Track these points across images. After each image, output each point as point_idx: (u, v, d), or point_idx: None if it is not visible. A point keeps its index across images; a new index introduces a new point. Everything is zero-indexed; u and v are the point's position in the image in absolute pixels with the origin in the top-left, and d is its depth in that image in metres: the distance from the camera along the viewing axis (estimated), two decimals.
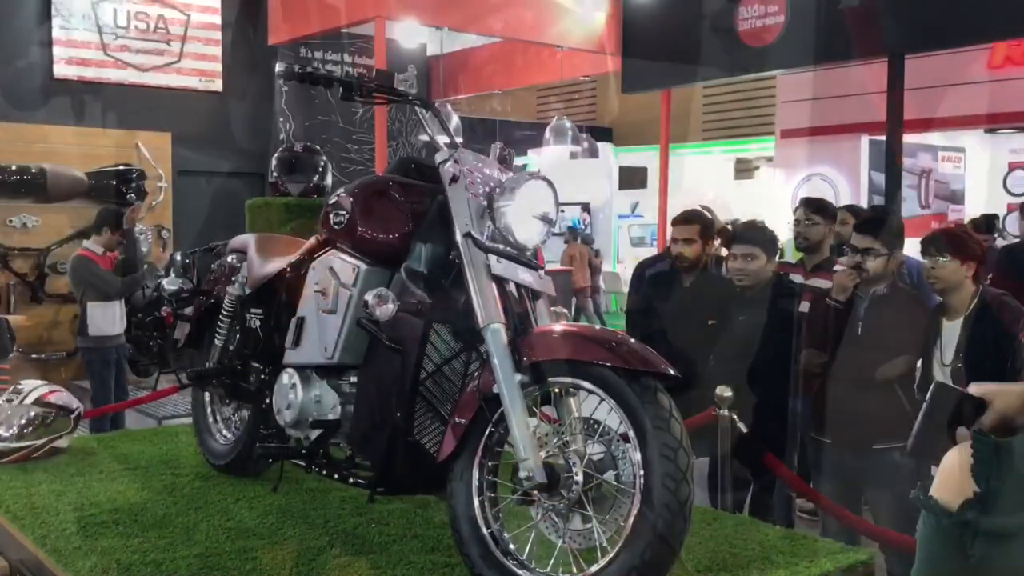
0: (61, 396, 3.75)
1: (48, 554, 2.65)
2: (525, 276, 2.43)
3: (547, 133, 9.96)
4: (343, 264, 2.66)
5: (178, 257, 8.40)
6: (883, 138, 12.12)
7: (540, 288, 2.47)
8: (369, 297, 2.36)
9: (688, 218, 4.45)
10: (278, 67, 2.41)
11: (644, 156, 18.16)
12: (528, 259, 2.46)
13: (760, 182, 16.67)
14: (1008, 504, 1.35)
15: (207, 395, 3.56)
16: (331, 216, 2.70)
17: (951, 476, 1.43)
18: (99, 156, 9.38)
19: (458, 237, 2.38)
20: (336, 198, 2.75)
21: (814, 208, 4.62)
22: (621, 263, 17.58)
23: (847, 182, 13.31)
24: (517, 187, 2.39)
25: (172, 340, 6.21)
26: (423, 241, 2.54)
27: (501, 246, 2.39)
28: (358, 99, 2.57)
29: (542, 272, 2.52)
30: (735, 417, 3.70)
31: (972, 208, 12.16)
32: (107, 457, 3.68)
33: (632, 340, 2.21)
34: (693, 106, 18.09)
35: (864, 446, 3.63)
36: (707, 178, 17.74)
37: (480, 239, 2.36)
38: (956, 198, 13.37)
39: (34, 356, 9.10)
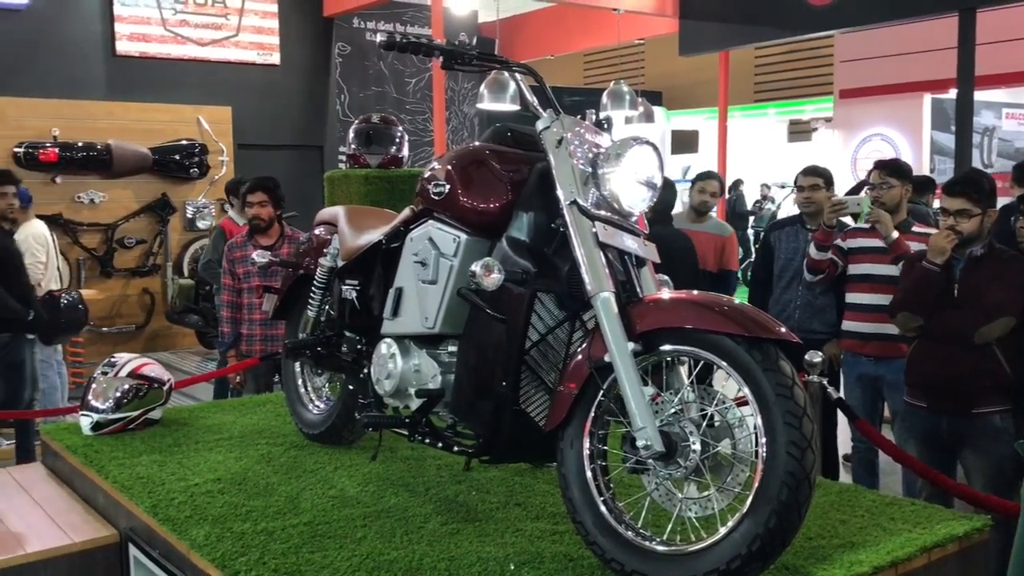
0: (153, 368, 3.81)
1: (161, 523, 2.70)
2: (630, 243, 2.40)
3: (604, 98, 9.83)
4: (442, 234, 2.66)
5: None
6: (946, 96, 11.87)
7: (644, 255, 2.44)
8: (476, 267, 2.34)
9: None
10: (379, 38, 2.43)
11: (694, 120, 17.92)
12: (632, 226, 2.43)
13: (816, 144, 16.37)
14: None
15: (298, 366, 3.60)
16: (430, 187, 2.69)
17: None
18: (162, 131, 9.51)
19: (563, 205, 2.35)
20: (434, 169, 2.73)
21: (890, 170, 4.53)
22: None
23: (909, 142, 13.04)
24: (623, 153, 2.35)
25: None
26: (524, 210, 2.52)
27: (606, 213, 2.37)
28: (458, 67, 2.55)
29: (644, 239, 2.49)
30: (826, 383, 3.66)
31: None
32: (200, 428, 3.74)
33: (747, 305, 2.17)
34: (744, 68, 17.78)
35: (963, 410, 3.57)
36: (760, 141, 17.48)
37: (586, 206, 2.34)
38: (1020, 157, 13.04)
39: (104, 330, 9.31)
